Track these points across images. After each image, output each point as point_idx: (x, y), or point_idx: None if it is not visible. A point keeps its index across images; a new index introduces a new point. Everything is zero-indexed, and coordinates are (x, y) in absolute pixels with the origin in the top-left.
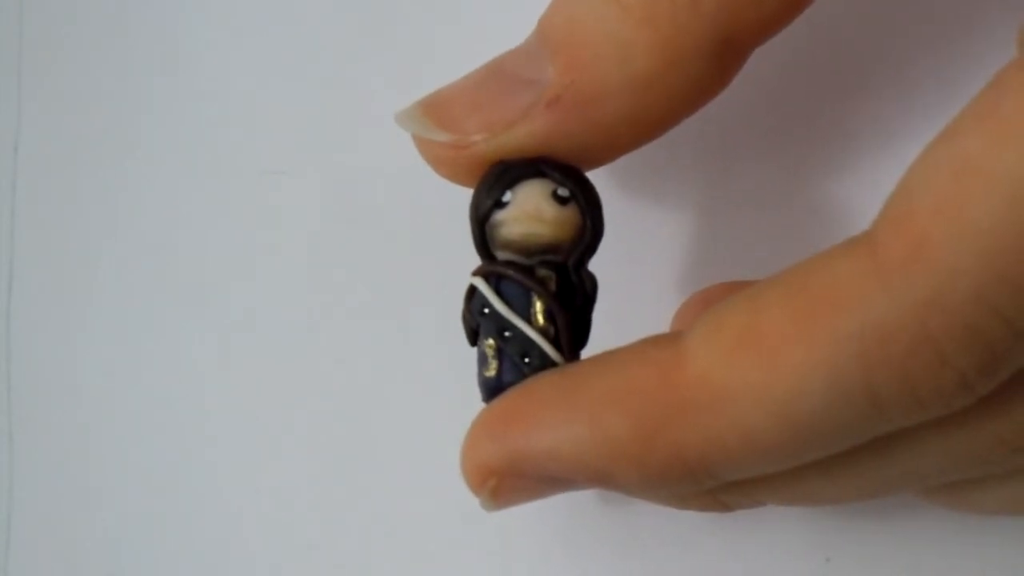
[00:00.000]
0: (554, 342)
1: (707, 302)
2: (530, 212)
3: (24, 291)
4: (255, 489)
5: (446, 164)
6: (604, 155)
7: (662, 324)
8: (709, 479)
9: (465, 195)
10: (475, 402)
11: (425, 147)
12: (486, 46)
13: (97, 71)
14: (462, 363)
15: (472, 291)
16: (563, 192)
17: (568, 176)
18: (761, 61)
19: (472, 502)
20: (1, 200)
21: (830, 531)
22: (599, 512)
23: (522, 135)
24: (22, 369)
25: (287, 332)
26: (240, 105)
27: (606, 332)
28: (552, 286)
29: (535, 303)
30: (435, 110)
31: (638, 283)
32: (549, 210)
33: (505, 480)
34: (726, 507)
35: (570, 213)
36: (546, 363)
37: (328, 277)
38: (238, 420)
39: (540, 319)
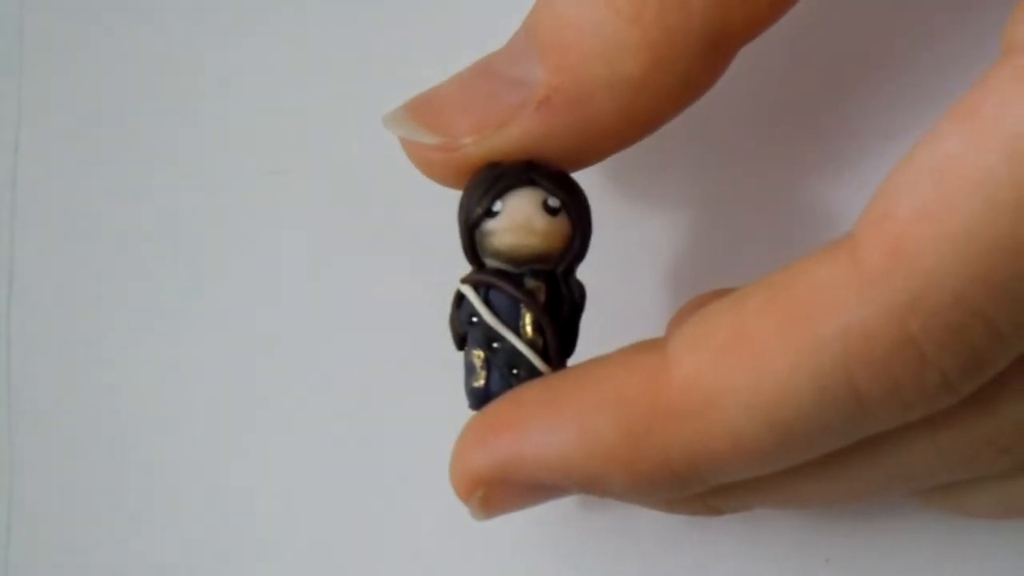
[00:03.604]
0: (542, 353)
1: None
2: (521, 223)
3: (24, 291)
4: (255, 489)
5: (434, 167)
6: (593, 155)
7: (651, 328)
8: (698, 483)
9: None
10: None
11: (413, 150)
12: (487, 45)
13: (97, 71)
14: (461, 364)
15: (460, 298)
16: (553, 202)
17: (559, 185)
18: (754, 62)
19: (463, 507)
20: (1, 200)
21: (830, 531)
22: (594, 514)
23: (512, 137)
24: (22, 369)
25: (287, 332)
26: (240, 105)
27: (595, 337)
28: (541, 297)
29: (524, 315)
30: (422, 112)
31: (627, 287)
32: (540, 221)
33: (494, 489)
34: (716, 511)
35: (560, 223)
36: (534, 374)
37: (328, 277)
38: (238, 420)
39: (529, 331)
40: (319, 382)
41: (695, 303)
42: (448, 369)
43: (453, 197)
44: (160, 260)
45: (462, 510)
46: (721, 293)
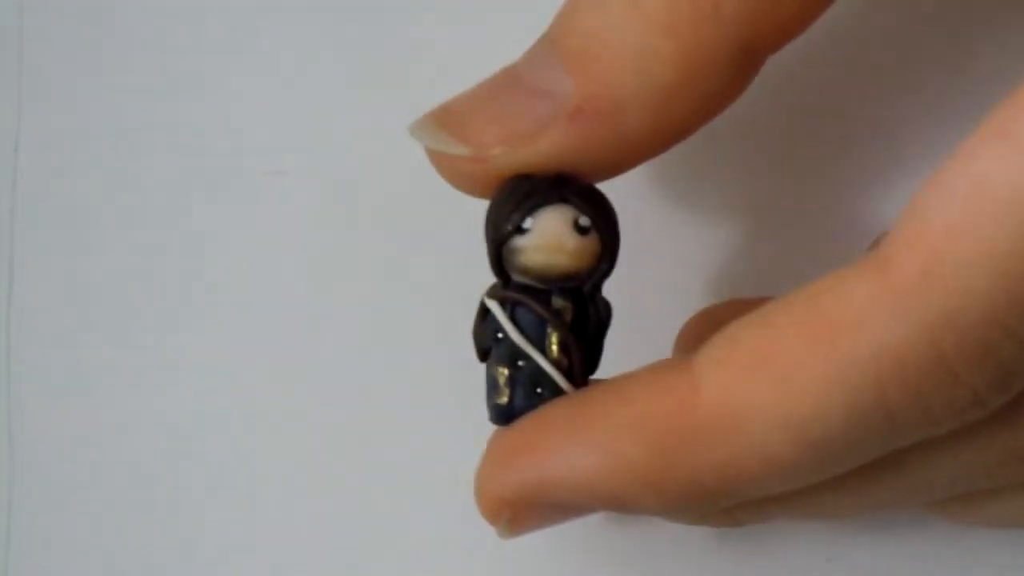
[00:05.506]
0: (567, 373)
1: (711, 321)
2: (552, 243)
3: (24, 291)
4: (256, 491)
5: (463, 178)
6: (621, 166)
7: (668, 339)
8: (726, 500)
9: (467, 196)
10: (477, 408)
11: (440, 161)
12: (487, 47)
13: (97, 71)
14: (463, 366)
15: (485, 312)
16: (584, 221)
17: (589, 202)
18: (787, 71)
19: (471, 510)
20: (1, 200)
21: (830, 531)
22: (595, 515)
23: (543, 148)
24: (22, 369)
25: (288, 334)
26: (240, 105)
27: (618, 349)
28: (568, 316)
29: (551, 334)
30: (450, 122)
31: (645, 299)
32: (570, 241)
33: (521, 510)
34: (739, 523)
35: (590, 242)
36: (558, 393)
37: (328, 278)
38: (238, 421)
39: (555, 351)
40: (322, 383)
41: (703, 316)
42: (454, 369)
43: (452, 199)
44: (160, 260)
45: (479, 520)
46: (732, 304)
